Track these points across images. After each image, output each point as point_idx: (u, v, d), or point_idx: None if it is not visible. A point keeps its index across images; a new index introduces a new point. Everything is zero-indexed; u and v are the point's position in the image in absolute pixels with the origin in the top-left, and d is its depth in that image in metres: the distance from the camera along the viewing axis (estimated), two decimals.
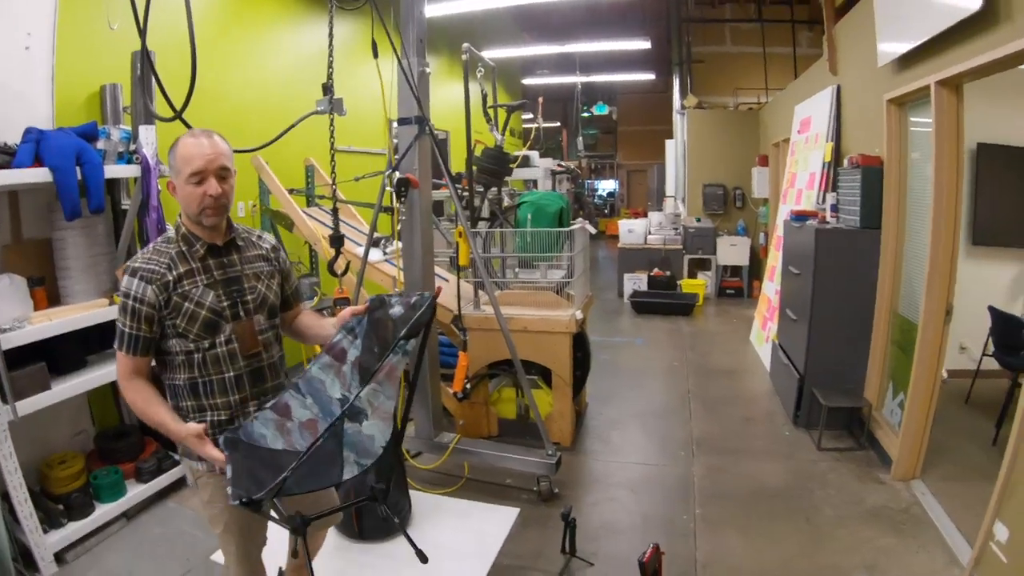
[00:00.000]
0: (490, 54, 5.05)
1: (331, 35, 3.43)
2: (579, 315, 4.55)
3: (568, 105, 19.17)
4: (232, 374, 2.11)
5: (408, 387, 2.00)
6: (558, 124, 20.17)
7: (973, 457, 4.38)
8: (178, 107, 2.51)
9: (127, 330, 1.99)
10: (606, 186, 24.09)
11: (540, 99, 8.15)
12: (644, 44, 10.92)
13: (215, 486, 2.16)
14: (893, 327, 4.62)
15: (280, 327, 2.33)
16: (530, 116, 12.86)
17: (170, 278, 2.00)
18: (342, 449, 1.81)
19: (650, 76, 14.80)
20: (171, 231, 2.13)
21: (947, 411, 4.02)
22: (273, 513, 1.86)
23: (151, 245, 2.10)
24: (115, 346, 2.02)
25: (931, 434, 4.10)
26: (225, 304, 2.08)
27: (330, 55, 3.46)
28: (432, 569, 2.37)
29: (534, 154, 8.43)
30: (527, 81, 15.47)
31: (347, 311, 2.18)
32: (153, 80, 3.94)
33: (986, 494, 3.14)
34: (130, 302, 1.97)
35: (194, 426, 1.95)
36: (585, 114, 16.40)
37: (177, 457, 4.08)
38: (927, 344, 3.97)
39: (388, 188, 3.85)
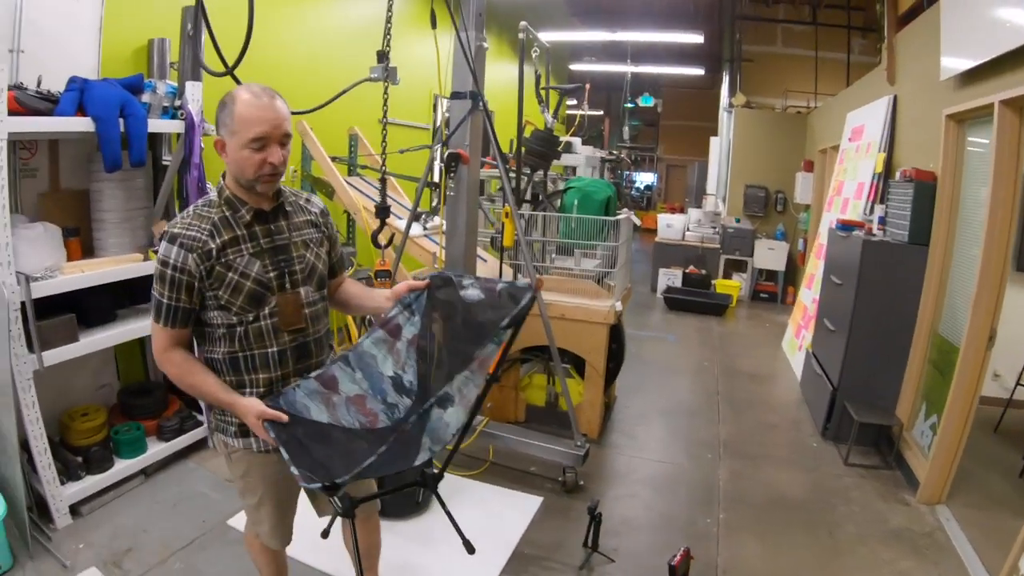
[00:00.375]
0: (540, 36, 5.01)
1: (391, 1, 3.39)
2: (619, 306, 4.53)
3: (612, 94, 19.05)
4: (276, 349, 1.98)
5: (493, 378, 1.85)
6: (600, 113, 20.03)
7: (998, 487, 4.33)
8: (229, 63, 2.45)
9: (165, 300, 1.86)
10: (644, 179, 23.93)
11: (587, 85, 8.10)
12: (697, 38, 10.78)
13: (252, 462, 2.09)
14: (932, 347, 4.55)
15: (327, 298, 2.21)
16: (574, 102, 12.75)
17: (212, 246, 1.86)
18: (423, 434, 1.73)
19: (699, 71, 14.63)
20: (212, 194, 1.98)
21: (975, 438, 3.97)
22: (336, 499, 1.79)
23: (191, 208, 1.94)
24: (151, 317, 1.90)
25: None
26: (272, 275, 1.94)
27: (388, 21, 3.41)
28: (451, 552, 2.38)
29: (576, 141, 8.39)
30: (574, 67, 15.35)
31: (403, 285, 2.09)
32: (204, 34, 4.04)
33: (1010, 526, 3.11)
34: (168, 271, 1.83)
35: (255, 402, 1.84)
36: (629, 104, 16.23)
37: (201, 419, 4.15)
38: (967, 368, 3.90)
39: (438, 162, 3.83)
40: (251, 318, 1.93)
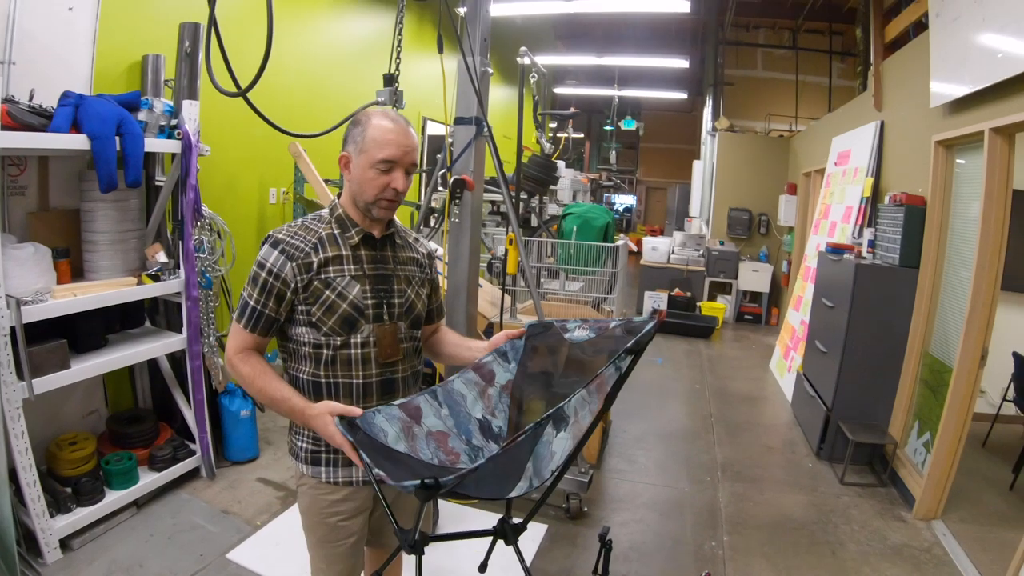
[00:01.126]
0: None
1: (400, 23, 3.38)
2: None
3: (592, 117, 19.23)
4: (361, 381, 1.89)
5: (606, 406, 1.65)
6: (582, 135, 20.21)
7: (991, 502, 4.42)
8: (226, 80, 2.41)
9: (251, 302, 1.81)
10: (623, 201, 24.10)
11: (573, 109, 8.18)
12: (682, 63, 10.91)
13: (314, 497, 1.98)
14: (923, 367, 4.61)
15: (420, 340, 2.12)
16: (554, 125, 12.87)
17: (314, 260, 1.81)
18: (530, 457, 1.57)
19: (681, 95, 14.81)
20: (324, 211, 1.94)
21: (965, 454, 4.05)
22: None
23: (299, 220, 1.91)
24: (234, 317, 1.86)
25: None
26: (370, 302, 1.87)
27: (398, 45, 3.40)
28: None
29: (560, 164, 8.46)
30: (558, 90, 15.49)
31: (501, 335, 2.00)
32: (201, 55, 3.99)
33: (1005, 539, 3.17)
34: (263, 274, 1.79)
35: (328, 403, 1.72)
36: (608, 127, 16.38)
37: (194, 448, 4.07)
38: (960, 387, 3.98)
39: (440, 188, 3.81)
40: (339, 343, 1.85)
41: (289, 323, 1.88)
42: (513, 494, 1.55)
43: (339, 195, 1.97)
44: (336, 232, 1.88)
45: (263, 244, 1.84)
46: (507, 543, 1.81)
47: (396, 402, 1.81)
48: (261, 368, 1.83)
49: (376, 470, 1.51)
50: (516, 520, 1.81)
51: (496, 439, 1.89)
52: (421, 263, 2.08)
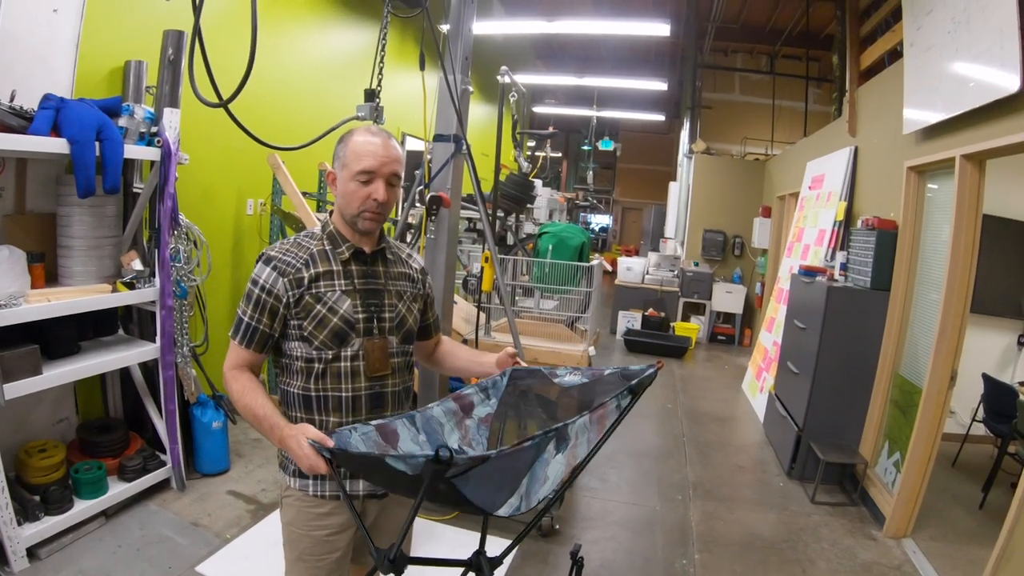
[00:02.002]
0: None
1: (383, 40, 3.37)
2: (592, 351, 4.57)
3: (570, 136, 19.37)
4: (351, 394, 1.91)
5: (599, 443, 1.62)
6: (560, 155, 20.32)
7: (961, 520, 4.49)
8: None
9: (246, 319, 1.84)
10: (599, 220, 24.24)
11: (551, 128, 8.23)
12: (661, 85, 11.04)
13: (301, 510, 1.96)
14: (893, 387, 4.68)
15: (413, 355, 2.12)
16: (532, 144, 12.93)
17: (305, 275, 1.84)
18: (527, 473, 1.51)
19: (659, 117, 14.95)
20: (317, 228, 1.98)
21: (935, 473, 4.12)
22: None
23: (293, 238, 1.95)
24: (230, 334, 1.88)
25: None
26: (360, 316, 1.89)
27: (381, 61, 3.39)
28: None
29: (537, 183, 8.50)
30: (537, 109, 15.59)
31: (505, 354, 2.05)
32: (184, 63, 3.97)
33: (975, 556, 3.23)
34: (256, 290, 1.83)
35: (303, 425, 1.70)
36: (587, 147, 16.49)
37: (165, 459, 4.01)
38: (930, 407, 4.04)
39: (417, 204, 3.81)
40: (331, 356, 1.87)
41: (282, 338, 1.90)
42: (501, 512, 1.50)
43: (331, 213, 1.99)
44: (327, 248, 1.91)
45: (257, 262, 1.87)
46: (479, 574, 1.74)
47: (373, 422, 1.81)
48: (251, 386, 1.84)
49: (374, 451, 1.51)
50: (492, 554, 1.76)
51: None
52: (414, 278, 2.09)
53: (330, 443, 1.63)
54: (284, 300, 1.83)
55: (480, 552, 1.76)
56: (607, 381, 1.81)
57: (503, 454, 1.40)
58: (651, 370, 1.68)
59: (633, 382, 1.62)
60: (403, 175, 1.98)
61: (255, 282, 1.84)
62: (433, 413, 1.91)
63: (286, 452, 1.89)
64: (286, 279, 1.83)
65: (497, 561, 1.73)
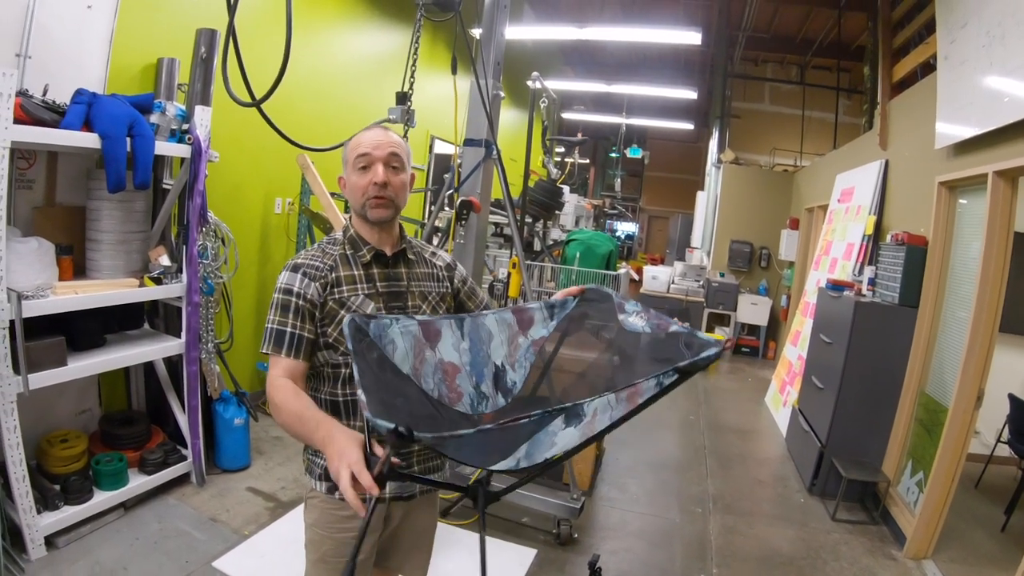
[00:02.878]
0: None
1: (416, 43, 3.40)
2: (616, 360, 4.50)
3: (598, 143, 19.32)
4: None
5: (630, 413, 1.48)
6: (587, 161, 20.28)
7: (982, 543, 4.41)
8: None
9: (289, 329, 1.78)
10: (625, 228, 24.14)
11: (580, 135, 8.22)
12: (691, 94, 10.99)
13: (324, 511, 1.94)
14: (918, 406, 4.61)
15: None
16: (561, 150, 12.91)
17: (330, 279, 1.84)
18: (526, 441, 1.40)
19: (689, 125, 14.88)
20: (339, 233, 1.97)
21: (957, 494, 4.05)
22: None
23: (316, 244, 1.95)
24: (267, 349, 1.80)
25: None
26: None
27: (413, 65, 3.41)
28: None
29: (564, 189, 8.50)
30: (565, 115, 15.58)
31: (574, 289, 1.98)
32: (217, 62, 4.00)
33: None
34: (293, 299, 1.79)
35: (355, 449, 1.44)
36: (614, 154, 16.44)
37: (186, 453, 4.04)
38: (955, 427, 3.97)
39: (446, 207, 3.81)
40: None
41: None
42: (496, 467, 1.43)
43: (351, 217, 1.98)
44: (349, 252, 1.91)
45: (284, 271, 1.85)
46: (474, 505, 1.66)
47: (418, 317, 1.75)
48: (295, 393, 1.72)
49: (359, 392, 1.37)
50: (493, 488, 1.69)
51: (506, 393, 1.80)
52: (439, 277, 2.07)
53: (376, 492, 1.37)
54: (318, 304, 1.82)
55: (480, 482, 1.68)
56: (665, 343, 1.65)
57: (485, 432, 1.30)
58: (713, 351, 1.46)
59: (685, 362, 1.42)
60: (408, 163, 1.96)
61: (289, 291, 1.81)
62: (485, 321, 1.83)
63: (316, 456, 1.93)
64: (317, 284, 1.82)
65: (495, 498, 1.68)
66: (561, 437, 1.41)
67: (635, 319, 1.73)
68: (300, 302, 1.80)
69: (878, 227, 5.77)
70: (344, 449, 1.43)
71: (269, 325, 1.81)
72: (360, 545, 1.41)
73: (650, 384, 1.43)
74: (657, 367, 1.48)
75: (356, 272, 1.89)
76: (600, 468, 5.10)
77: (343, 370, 1.85)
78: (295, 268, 1.83)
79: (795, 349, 7.01)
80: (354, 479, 1.36)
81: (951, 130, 4.42)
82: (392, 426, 1.23)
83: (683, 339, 1.58)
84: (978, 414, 3.97)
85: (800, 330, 7.04)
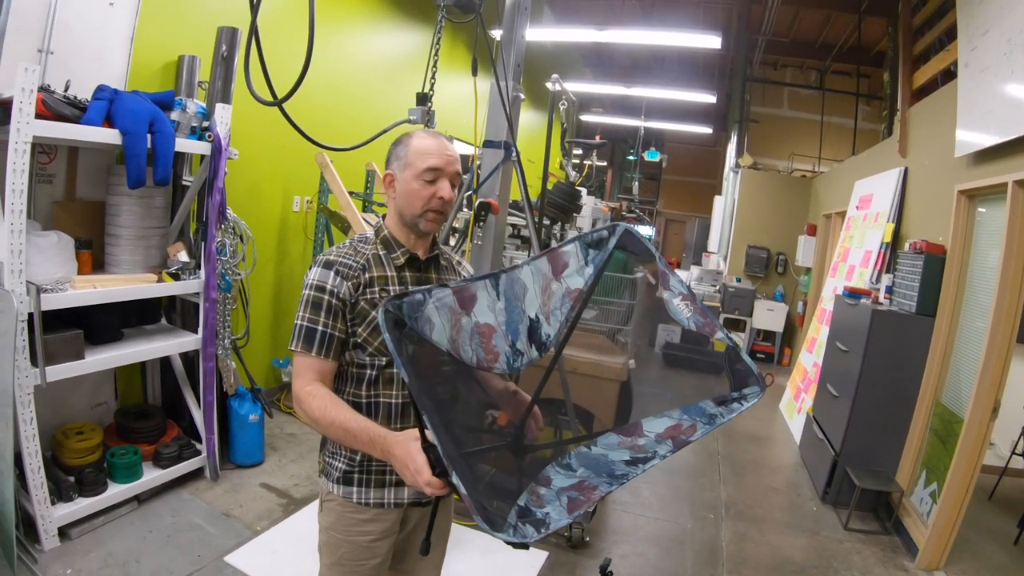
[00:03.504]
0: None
1: (436, 44, 3.40)
2: (632, 364, 4.53)
3: (615, 146, 19.28)
4: (400, 401, 1.86)
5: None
6: (604, 164, 20.23)
7: (994, 555, 4.37)
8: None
9: (320, 327, 1.76)
10: (642, 232, 24.03)
11: (598, 137, 8.19)
12: (710, 98, 10.94)
13: (341, 515, 1.93)
14: (934, 416, 4.57)
15: None
16: (579, 152, 12.89)
17: (363, 279, 1.81)
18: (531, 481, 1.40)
19: (707, 129, 14.83)
20: (370, 232, 1.95)
21: (971, 506, 4.02)
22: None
23: (348, 242, 1.92)
24: (296, 347, 1.78)
25: None
26: None
27: (434, 66, 3.42)
28: None
29: (582, 191, 8.48)
30: (584, 117, 15.56)
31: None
32: (238, 60, 4.04)
33: None
34: (325, 296, 1.77)
35: (415, 452, 1.48)
36: (632, 157, 16.39)
37: (200, 448, 4.10)
38: (970, 438, 3.95)
39: (464, 208, 3.80)
40: (384, 362, 1.84)
41: None
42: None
43: (384, 217, 1.97)
44: (381, 253, 1.89)
45: (314, 267, 1.83)
46: (514, 454, 1.68)
47: (452, 283, 1.65)
48: (332, 400, 1.72)
49: (460, 487, 1.29)
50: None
51: (541, 346, 1.71)
52: None
53: (439, 483, 1.43)
54: (348, 304, 1.80)
55: (519, 434, 1.70)
56: (706, 343, 1.56)
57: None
58: (755, 392, 1.44)
59: (728, 410, 1.42)
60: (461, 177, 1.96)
61: (321, 288, 1.79)
62: (521, 275, 1.69)
63: (332, 459, 1.92)
64: (349, 283, 1.80)
65: (532, 448, 1.69)
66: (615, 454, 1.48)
67: (679, 303, 1.56)
68: (332, 300, 1.78)
69: (896, 235, 5.73)
70: (405, 460, 1.50)
71: (299, 322, 1.79)
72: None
73: (696, 426, 1.46)
74: (689, 392, 1.46)
75: (389, 273, 1.87)
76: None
77: (368, 371, 1.84)
78: (328, 265, 1.81)
79: (811, 356, 6.97)
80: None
81: (971, 138, 4.39)
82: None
83: (728, 353, 1.49)
84: (994, 425, 3.94)
85: (816, 337, 7.01)
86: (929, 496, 4.32)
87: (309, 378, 1.76)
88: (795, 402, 7.09)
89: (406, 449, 1.50)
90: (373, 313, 1.79)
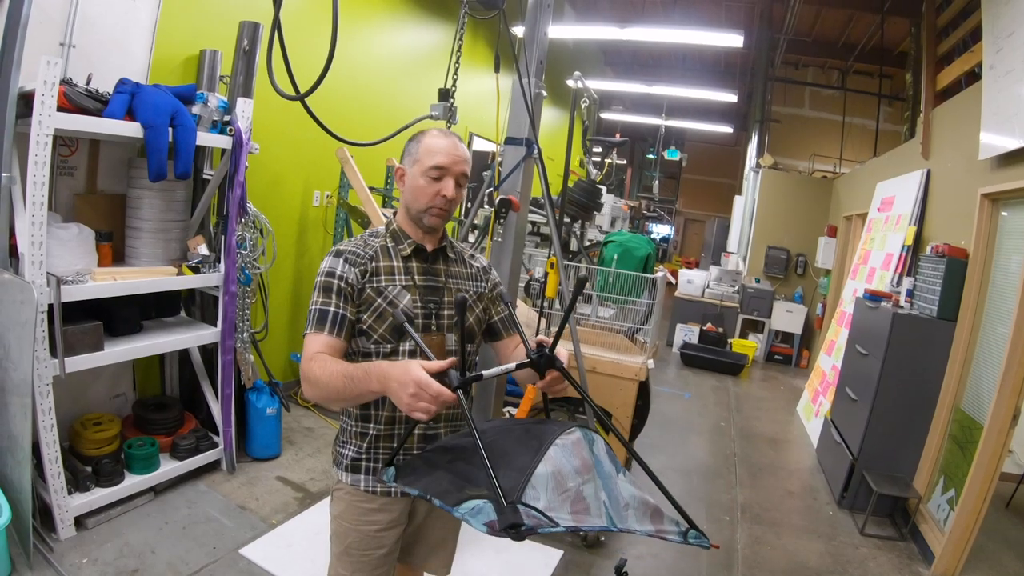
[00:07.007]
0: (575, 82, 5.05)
1: (459, 41, 3.40)
2: (650, 363, 4.50)
3: (635, 144, 19.23)
4: None
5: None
6: (624, 162, 20.17)
7: (1011, 564, 4.32)
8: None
9: (332, 309, 1.82)
10: (661, 231, 23.99)
11: (619, 135, 8.17)
12: (731, 97, 10.87)
13: (350, 503, 1.97)
14: (953, 422, 4.52)
15: (474, 355, 2.09)
16: (599, 150, 12.85)
17: (369, 267, 1.88)
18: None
19: (728, 128, 14.75)
20: (381, 228, 2.03)
21: (988, 514, 3.98)
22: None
23: (359, 235, 2.00)
24: (310, 329, 1.82)
25: None
26: (419, 311, 1.91)
27: (456, 62, 3.42)
28: None
29: (602, 189, 8.47)
30: (604, 115, 15.52)
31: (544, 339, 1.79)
32: (260, 54, 4.04)
33: None
34: (335, 281, 1.84)
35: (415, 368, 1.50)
36: (652, 155, 16.34)
37: (217, 440, 4.13)
38: (990, 445, 3.90)
39: (485, 205, 3.79)
40: (388, 350, 1.88)
41: None
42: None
43: (395, 213, 2.03)
44: (390, 245, 1.95)
45: (326, 258, 1.90)
46: (538, 371, 1.69)
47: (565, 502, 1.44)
48: (333, 359, 1.75)
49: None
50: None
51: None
52: (477, 277, 2.10)
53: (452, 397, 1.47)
54: (355, 289, 1.85)
55: (541, 353, 1.68)
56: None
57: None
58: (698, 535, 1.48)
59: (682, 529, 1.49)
60: (469, 177, 2.00)
61: (331, 274, 1.85)
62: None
63: (343, 447, 1.97)
64: (357, 269, 1.86)
65: (555, 359, 1.68)
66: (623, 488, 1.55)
67: (624, 483, 1.63)
68: (342, 284, 1.84)
69: (918, 238, 5.68)
70: (402, 377, 1.50)
71: (313, 307, 1.84)
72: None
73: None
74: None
75: (395, 264, 1.93)
76: (629, 472, 5.07)
77: (374, 359, 1.86)
78: (337, 254, 1.88)
79: (829, 359, 6.92)
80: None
81: (995, 141, 4.34)
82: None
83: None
84: (1013, 432, 3.89)
85: (835, 340, 6.95)
86: (946, 503, 4.28)
87: (316, 350, 1.78)
88: (813, 405, 7.04)
89: (405, 368, 1.52)
90: (379, 300, 1.86)
